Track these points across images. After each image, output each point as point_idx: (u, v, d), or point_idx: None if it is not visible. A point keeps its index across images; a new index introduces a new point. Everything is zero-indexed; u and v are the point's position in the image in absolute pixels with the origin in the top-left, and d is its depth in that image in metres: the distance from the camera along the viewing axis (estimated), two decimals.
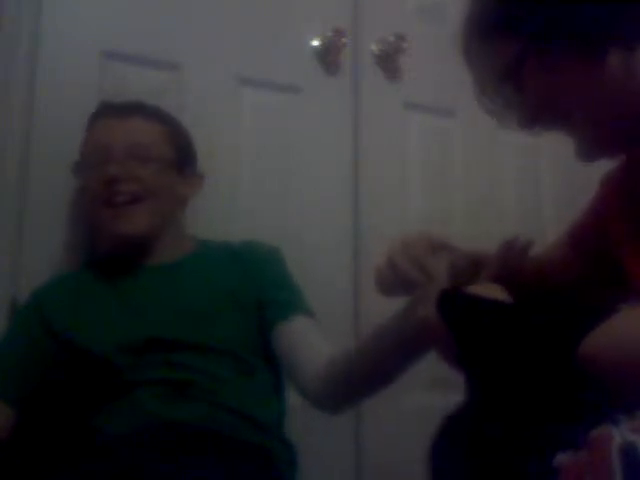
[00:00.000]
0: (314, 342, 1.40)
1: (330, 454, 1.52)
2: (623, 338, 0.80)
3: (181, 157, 1.51)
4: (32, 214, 1.55)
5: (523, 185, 2.07)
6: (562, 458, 0.72)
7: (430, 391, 1.76)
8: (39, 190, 1.56)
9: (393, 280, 1.13)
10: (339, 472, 1.68)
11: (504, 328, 0.88)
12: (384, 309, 1.79)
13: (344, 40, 1.85)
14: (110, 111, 1.49)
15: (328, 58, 1.87)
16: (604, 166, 1.94)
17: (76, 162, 1.49)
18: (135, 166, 1.42)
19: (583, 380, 0.79)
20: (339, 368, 1.32)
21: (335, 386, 1.32)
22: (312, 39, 1.86)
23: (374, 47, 1.92)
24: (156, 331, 1.37)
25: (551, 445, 0.74)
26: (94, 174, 1.43)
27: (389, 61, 1.93)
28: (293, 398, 1.46)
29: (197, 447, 1.24)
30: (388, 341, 1.23)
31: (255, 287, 1.47)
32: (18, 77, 1.58)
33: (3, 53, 1.58)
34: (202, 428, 1.28)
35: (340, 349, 1.35)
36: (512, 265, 1.14)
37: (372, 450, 1.72)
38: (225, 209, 1.71)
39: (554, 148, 2.08)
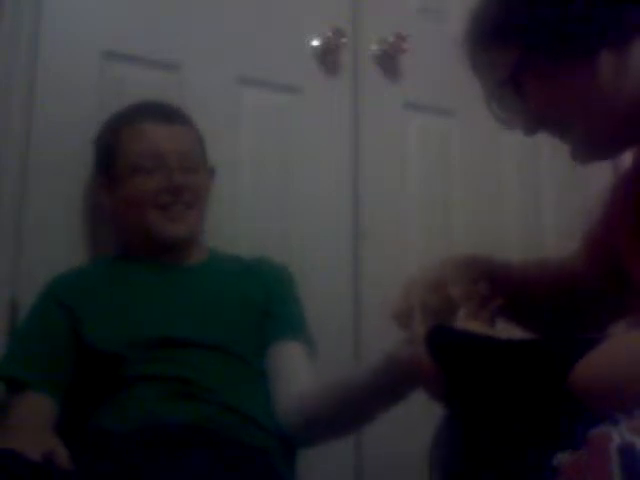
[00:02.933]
0: (298, 374, 1.43)
1: (330, 454, 1.52)
2: (612, 364, 0.81)
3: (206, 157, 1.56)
4: (32, 214, 1.55)
5: (523, 185, 2.07)
6: (561, 458, 0.73)
7: None
8: (39, 190, 1.56)
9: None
10: (339, 472, 1.68)
11: (494, 363, 0.89)
12: (383, 308, 1.80)
13: (344, 40, 1.85)
14: (153, 115, 1.49)
15: (328, 58, 1.87)
16: (605, 165, 1.93)
17: (111, 164, 1.49)
18: (189, 175, 1.47)
19: (574, 407, 0.79)
20: (314, 405, 1.36)
21: (305, 421, 1.36)
22: (312, 39, 1.86)
23: (374, 47, 1.92)
24: (167, 330, 1.39)
25: (550, 445, 0.74)
26: (147, 180, 1.44)
27: (389, 61, 1.93)
28: None
29: (197, 447, 1.24)
30: (371, 383, 1.26)
31: (264, 297, 1.50)
32: (18, 77, 1.58)
33: (3, 53, 1.58)
34: (202, 428, 1.28)
35: (319, 384, 1.38)
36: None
37: (372, 450, 1.72)
38: (225, 209, 1.71)
39: (554, 147, 2.08)
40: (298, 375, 1.43)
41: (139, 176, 1.45)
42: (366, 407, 1.32)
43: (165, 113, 1.51)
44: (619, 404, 0.76)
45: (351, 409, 1.33)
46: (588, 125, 0.98)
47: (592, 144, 1.00)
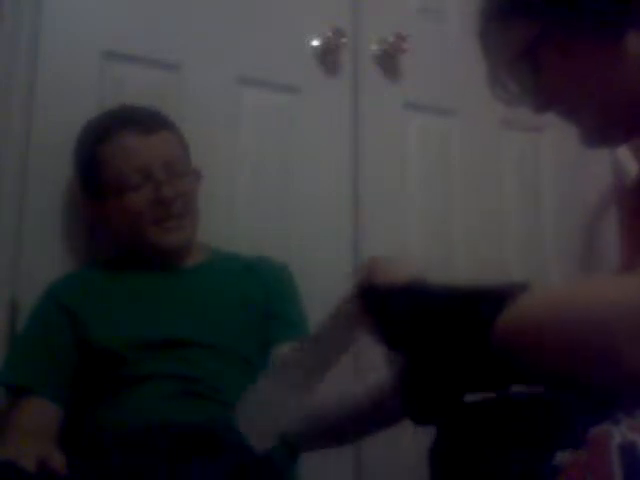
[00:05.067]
0: None
1: (330, 454, 1.52)
2: (536, 315, 0.79)
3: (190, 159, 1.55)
4: (32, 214, 1.55)
5: (523, 185, 2.07)
6: (562, 457, 0.72)
7: None
8: (39, 190, 1.56)
9: None
10: (339, 472, 1.68)
11: (418, 315, 0.88)
12: None
13: (344, 40, 1.85)
14: (132, 126, 1.47)
15: (328, 58, 1.87)
16: (604, 165, 1.93)
17: (95, 182, 1.48)
18: (177, 183, 1.46)
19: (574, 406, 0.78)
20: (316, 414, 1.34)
21: (306, 427, 1.34)
22: (312, 39, 1.86)
23: (374, 47, 1.92)
24: (171, 332, 1.39)
25: (551, 444, 0.74)
26: (136, 197, 1.43)
27: (389, 61, 1.93)
28: None
29: (197, 448, 1.24)
30: (367, 405, 1.25)
31: (264, 296, 1.50)
32: (18, 77, 1.58)
33: (3, 53, 1.58)
34: (203, 429, 1.28)
35: (322, 393, 1.38)
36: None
37: (372, 450, 1.71)
38: (224, 209, 1.71)
39: (554, 147, 2.08)
40: None
41: (127, 193, 1.44)
42: (363, 426, 1.32)
43: (144, 122, 1.48)
44: (543, 359, 0.75)
45: (351, 424, 1.33)
46: (602, 107, 0.95)
47: (603, 127, 0.97)
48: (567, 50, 0.94)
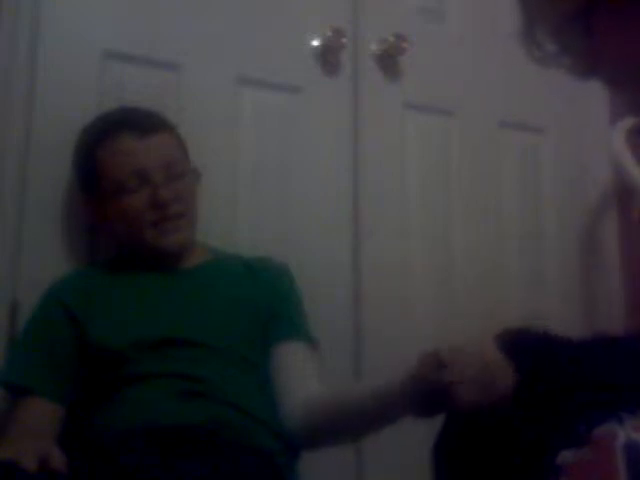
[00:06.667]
0: (303, 376, 1.44)
1: (331, 453, 1.52)
2: None
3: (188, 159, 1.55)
4: (32, 214, 1.55)
5: (523, 185, 2.07)
6: (566, 456, 0.72)
7: None
8: (39, 190, 1.56)
9: None
10: (339, 472, 1.68)
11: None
12: (383, 307, 1.80)
13: (344, 40, 1.85)
14: (129, 129, 1.46)
15: (328, 58, 1.87)
16: (605, 165, 1.93)
17: (94, 185, 1.48)
18: (175, 185, 1.46)
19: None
20: (319, 413, 1.36)
21: (311, 426, 1.37)
22: (312, 39, 1.86)
23: (374, 47, 1.92)
24: (171, 331, 1.39)
25: (556, 442, 0.74)
26: (134, 199, 1.43)
27: (389, 61, 1.93)
28: None
29: (197, 448, 1.24)
30: (381, 397, 1.25)
31: (265, 297, 1.50)
32: (18, 77, 1.58)
33: (3, 53, 1.58)
34: (204, 429, 1.28)
35: (328, 390, 1.39)
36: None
37: (373, 450, 1.71)
38: (224, 209, 1.71)
39: (554, 147, 2.09)
40: (303, 377, 1.43)
41: (125, 196, 1.44)
42: (370, 421, 1.32)
43: (141, 124, 1.48)
44: None
45: (354, 422, 1.34)
46: None
47: None
48: (623, 16, 0.90)
